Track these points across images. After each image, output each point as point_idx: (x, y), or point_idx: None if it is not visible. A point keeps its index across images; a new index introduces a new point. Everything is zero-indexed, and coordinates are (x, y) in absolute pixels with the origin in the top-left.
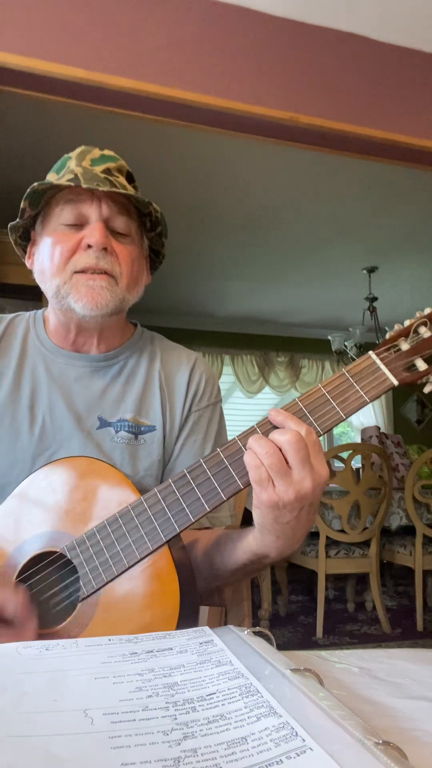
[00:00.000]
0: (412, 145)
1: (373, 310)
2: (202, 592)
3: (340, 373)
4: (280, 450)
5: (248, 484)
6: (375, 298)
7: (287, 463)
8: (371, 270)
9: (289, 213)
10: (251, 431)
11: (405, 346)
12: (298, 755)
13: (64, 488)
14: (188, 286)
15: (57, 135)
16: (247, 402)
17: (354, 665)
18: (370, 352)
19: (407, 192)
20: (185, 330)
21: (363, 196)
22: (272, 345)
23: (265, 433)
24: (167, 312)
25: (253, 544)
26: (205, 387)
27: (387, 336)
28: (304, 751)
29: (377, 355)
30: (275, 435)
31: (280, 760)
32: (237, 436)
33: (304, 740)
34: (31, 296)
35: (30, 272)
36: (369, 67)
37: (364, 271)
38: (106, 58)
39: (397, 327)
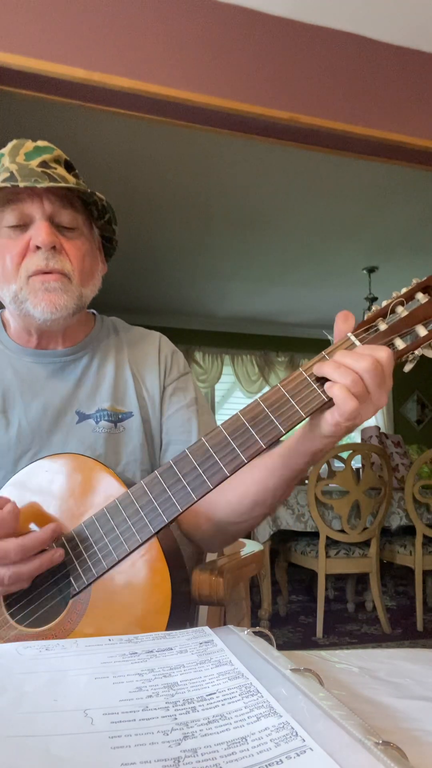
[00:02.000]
0: (412, 145)
1: None
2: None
3: (321, 356)
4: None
5: (234, 472)
6: (375, 298)
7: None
8: (371, 270)
9: (289, 213)
10: (236, 418)
11: (383, 326)
12: (298, 755)
13: (50, 485)
14: (188, 286)
15: (51, 133)
16: (247, 402)
17: (354, 665)
18: (349, 333)
19: (407, 192)
20: (185, 330)
21: (363, 196)
22: (272, 345)
23: (262, 418)
24: (167, 312)
25: (312, 446)
26: (172, 361)
27: (365, 317)
28: (304, 751)
29: (356, 335)
30: (351, 362)
31: (280, 760)
32: (221, 425)
33: (304, 740)
34: None
35: None
36: (369, 67)
37: (364, 271)
38: (106, 58)
39: (374, 308)
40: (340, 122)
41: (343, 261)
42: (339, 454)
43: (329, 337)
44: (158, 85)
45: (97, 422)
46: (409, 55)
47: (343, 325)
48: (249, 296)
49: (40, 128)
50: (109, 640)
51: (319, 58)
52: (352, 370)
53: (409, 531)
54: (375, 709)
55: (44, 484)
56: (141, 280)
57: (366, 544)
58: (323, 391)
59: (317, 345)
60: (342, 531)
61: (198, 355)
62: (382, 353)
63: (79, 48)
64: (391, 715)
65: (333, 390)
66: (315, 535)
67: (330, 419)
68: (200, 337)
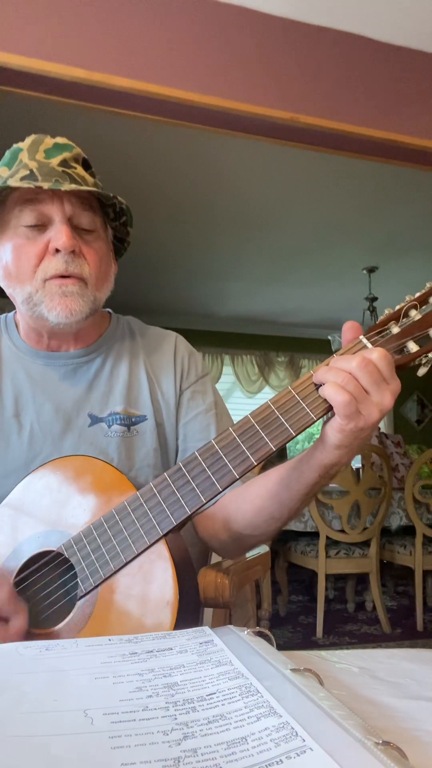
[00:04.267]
0: (412, 145)
1: (373, 310)
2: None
3: (331, 358)
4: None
5: (244, 474)
6: (375, 298)
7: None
8: (371, 270)
9: (289, 213)
10: (245, 420)
11: (395, 329)
12: (298, 755)
13: (59, 488)
14: (188, 286)
15: (51, 133)
16: (247, 402)
17: (354, 665)
18: (361, 337)
19: (407, 192)
20: (185, 330)
21: (363, 196)
22: (272, 345)
23: (272, 421)
24: (167, 312)
25: (324, 459)
26: (189, 363)
27: (377, 320)
28: (304, 751)
29: (368, 338)
30: (342, 364)
31: (280, 760)
32: (231, 427)
33: (304, 740)
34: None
35: None
36: (369, 67)
37: (364, 271)
38: (106, 58)
39: (387, 311)
40: (340, 122)
41: (343, 261)
42: None
43: (329, 338)
44: (158, 85)
45: (109, 426)
46: (409, 55)
47: (349, 333)
48: (249, 296)
49: (40, 128)
50: (109, 640)
51: (319, 58)
52: (342, 369)
53: (409, 531)
54: (375, 709)
55: (54, 486)
56: (141, 280)
57: (366, 544)
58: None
59: (317, 345)
60: (342, 531)
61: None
62: (374, 353)
63: (79, 48)
64: (391, 715)
65: (324, 390)
66: (315, 535)
67: (334, 424)
68: (200, 337)
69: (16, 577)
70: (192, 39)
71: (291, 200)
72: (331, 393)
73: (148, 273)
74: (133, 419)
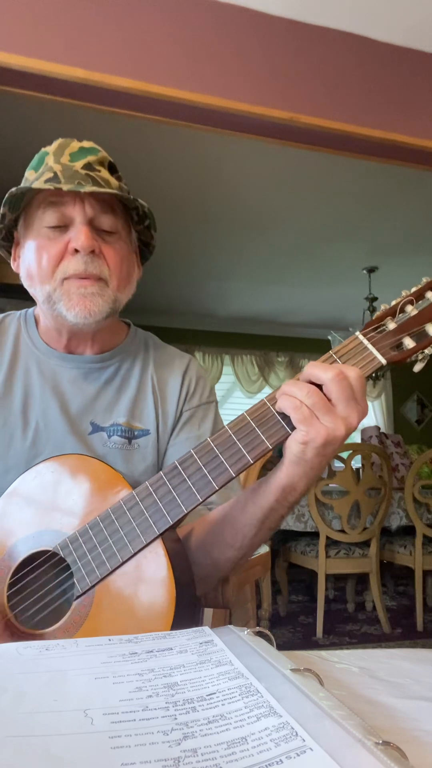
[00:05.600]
0: (412, 145)
1: (373, 310)
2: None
3: (328, 355)
4: (321, 388)
5: (240, 472)
6: (375, 298)
7: (330, 400)
8: (371, 270)
9: (289, 213)
10: (241, 418)
11: (392, 325)
12: (298, 755)
13: (55, 486)
14: (188, 286)
15: (51, 134)
16: (247, 402)
17: (354, 665)
18: (357, 333)
19: (407, 192)
20: (185, 330)
21: (363, 196)
22: (272, 345)
23: (269, 418)
24: (167, 312)
25: (281, 478)
26: (196, 387)
27: (374, 316)
28: (304, 751)
29: (364, 335)
30: (317, 372)
31: (280, 760)
32: (227, 425)
33: (304, 740)
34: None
35: None
36: (369, 67)
37: (364, 271)
38: (106, 58)
39: (383, 307)
40: (340, 122)
41: (343, 261)
42: (339, 454)
43: (329, 338)
44: (158, 85)
45: (109, 436)
46: (409, 55)
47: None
48: (249, 296)
49: (40, 128)
50: (109, 640)
51: (319, 58)
52: (312, 380)
53: (409, 531)
54: (375, 709)
55: (49, 484)
56: (141, 280)
57: (366, 544)
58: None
59: (317, 345)
60: (342, 531)
61: (198, 355)
62: (351, 371)
63: (79, 48)
64: (391, 715)
65: (281, 402)
66: (315, 535)
67: (297, 436)
68: (200, 337)
69: (11, 577)
70: (192, 39)
71: (291, 200)
72: (288, 406)
73: (148, 273)
74: (135, 432)
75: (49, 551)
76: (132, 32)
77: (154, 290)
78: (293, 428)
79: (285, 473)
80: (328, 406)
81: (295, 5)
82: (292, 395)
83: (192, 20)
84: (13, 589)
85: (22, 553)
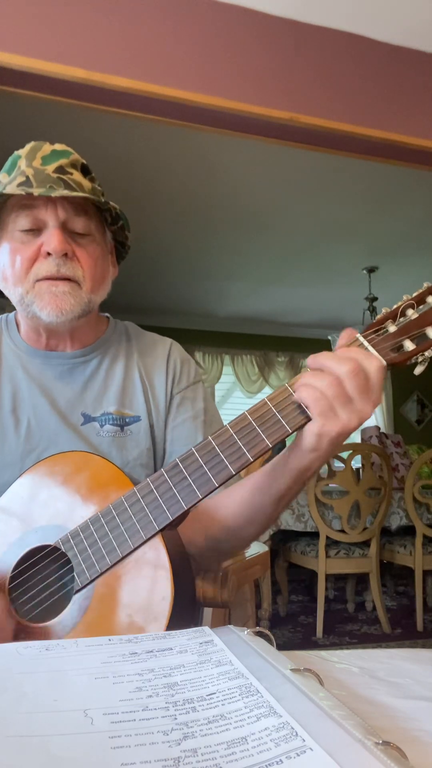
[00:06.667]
0: (412, 145)
1: (373, 310)
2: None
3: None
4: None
5: (240, 470)
6: (375, 298)
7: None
8: (371, 270)
9: (289, 213)
10: (242, 417)
11: (392, 328)
12: (298, 755)
13: (57, 483)
14: (188, 286)
15: (52, 134)
16: (247, 402)
17: (354, 665)
18: (358, 335)
19: (407, 192)
20: (185, 330)
21: (363, 196)
22: (272, 345)
23: (269, 417)
24: (167, 312)
25: (296, 464)
26: (181, 369)
27: (374, 319)
28: (304, 751)
29: (365, 337)
30: (332, 365)
31: (280, 760)
32: (228, 424)
33: (304, 740)
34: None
35: None
36: (369, 67)
37: (364, 271)
38: (106, 58)
39: (384, 310)
40: (340, 122)
41: (343, 261)
42: (339, 454)
43: (329, 338)
44: (158, 85)
45: (101, 425)
46: (409, 55)
47: (344, 340)
48: (249, 296)
49: (41, 128)
50: (109, 640)
51: (319, 58)
52: (330, 372)
53: (409, 531)
54: (375, 709)
55: (52, 481)
56: (141, 280)
57: (366, 544)
58: None
59: (317, 345)
60: (342, 531)
61: (198, 355)
62: (371, 364)
63: (79, 48)
64: (391, 715)
65: (301, 393)
66: (315, 535)
67: (312, 427)
68: (200, 337)
69: (13, 571)
70: (192, 39)
71: (291, 200)
72: (310, 399)
73: (148, 273)
74: (127, 420)
75: (51, 546)
76: (132, 32)
77: (154, 290)
78: (309, 418)
79: (300, 458)
80: (347, 399)
81: (295, 5)
82: (313, 386)
83: (192, 20)
84: (14, 583)
85: (24, 548)
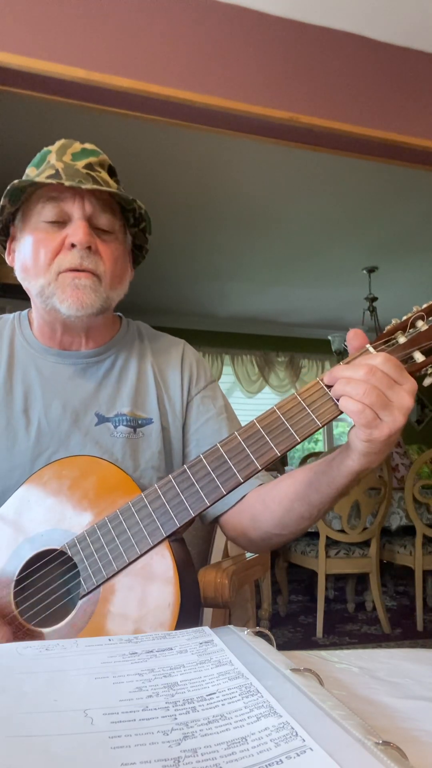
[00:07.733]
0: (412, 145)
1: (373, 310)
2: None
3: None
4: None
5: (248, 478)
6: (375, 298)
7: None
8: (371, 270)
9: (289, 213)
10: (251, 425)
11: (402, 339)
12: (298, 755)
13: (65, 487)
14: (188, 286)
15: (53, 134)
16: (247, 402)
17: (354, 665)
18: (368, 345)
19: (407, 192)
20: (185, 330)
21: (363, 196)
22: (272, 345)
23: (278, 426)
24: (167, 312)
25: (354, 466)
26: (198, 370)
27: (385, 330)
28: (304, 751)
29: (375, 347)
30: (347, 374)
31: (280, 760)
32: (237, 431)
33: (304, 740)
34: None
35: None
36: (369, 67)
37: (364, 271)
38: (106, 58)
39: (394, 321)
40: (340, 122)
41: (343, 261)
42: None
43: (329, 338)
44: (158, 85)
45: (115, 426)
46: (409, 55)
47: (355, 341)
48: (249, 296)
49: (44, 129)
50: (109, 640)
51: (319, 58)
52: (360, 380)
53: (409, 531)
54: (375, 709)
55: (60, 485)
56: (141, 280)
57: (366, 544)
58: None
59: (317, 345)
60: (342, 531)
61: None
62: (377, 358)
63: (79, 48)
64: (391, 715)
65: (344, 403)
66: (315, 535)
67: (360, 435)
68: (200, 337)
69: (18, 575)
70: (192, 39)
71: (291, 200)
72: (353, 408)
73: (149, 273)
74: (140, 421)
75: (57, 550)
76: (132, 32)
77: (154, 290)
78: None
79: (357, 462)
80: (384, 400)
81: (295, 5)
82: (351, 396)
83: (192, 20)
84: (20, 587)
85: (30, 551)
